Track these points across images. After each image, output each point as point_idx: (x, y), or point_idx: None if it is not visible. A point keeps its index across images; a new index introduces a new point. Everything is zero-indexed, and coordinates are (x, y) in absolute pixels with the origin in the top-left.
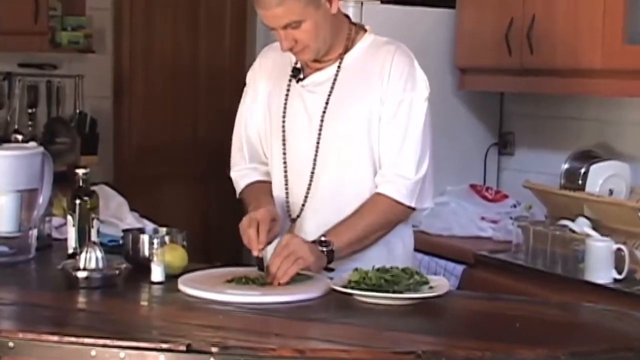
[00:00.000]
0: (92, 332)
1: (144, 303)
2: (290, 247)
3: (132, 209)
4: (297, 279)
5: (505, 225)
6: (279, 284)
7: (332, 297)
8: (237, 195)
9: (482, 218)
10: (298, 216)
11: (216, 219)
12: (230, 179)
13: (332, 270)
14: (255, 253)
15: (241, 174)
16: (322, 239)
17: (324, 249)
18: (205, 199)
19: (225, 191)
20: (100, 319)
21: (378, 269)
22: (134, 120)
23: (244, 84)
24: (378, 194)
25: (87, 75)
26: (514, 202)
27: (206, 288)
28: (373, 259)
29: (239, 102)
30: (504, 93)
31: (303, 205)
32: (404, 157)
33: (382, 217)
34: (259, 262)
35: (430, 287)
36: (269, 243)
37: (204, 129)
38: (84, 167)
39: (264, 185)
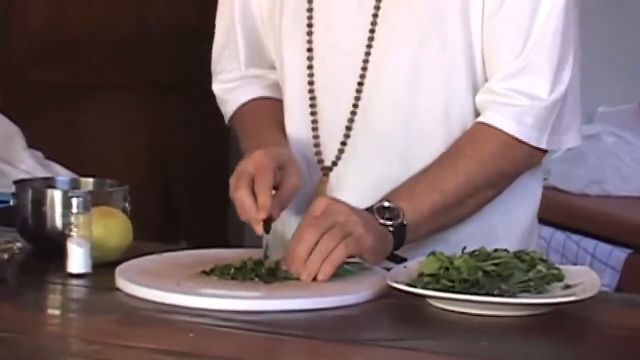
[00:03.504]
0: None
1: (54, 311)
2: (332, 215)
3: (30, 144)
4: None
5: None
6: (314, 280)
7: (390, 303)
8: (227, 122)
9: None
10: (335, 164)
11: (183, 164)
12: (211, 96)
13: (402, 260)
14: (257, 231)
15: (231, 87)
16: (386, 204)
17: (391, 223)
18: (164, 128)
19: (198, 115)
20: None
21: (472, 253)
22: None
23: None
24: (483, 125)
25: None
26: None
27: (166, 285)
28: (469, 238)
29: None
30: None
31: (343, 144)
32: (530, 61)
33: (490, 166)
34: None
35: (567, 286)
36: (282, 208)
37: (158, 8)
38: None
39: (271, 106)
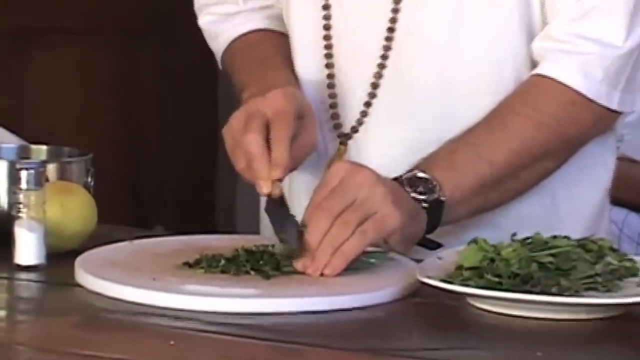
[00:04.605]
0: None
1: None
2: (352, 189)
3: None
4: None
5: None
6: (321, 275)
7: (421, 303)
8: (219, 62)
9: None
10: (355, 130)
11: (157, 129)
12: (190, 43)
13: (437, 246)
14: (263, 189)
15: (225, 17)
16: (420, 174)
17: (424, 198)
18: (133, 83)
19: (176, 67)
20: None
21: (525, 241)
22: None
23: None
24: (541, 78)
25: None
26: None
27: (139, 280)
28: (522, 221)
29: None
30: None
31: (367, 105)
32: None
33: (550, 129)
34: (275, 210)
35: None
36: (293, 168)
37: None
38: None
39: (277, 39)
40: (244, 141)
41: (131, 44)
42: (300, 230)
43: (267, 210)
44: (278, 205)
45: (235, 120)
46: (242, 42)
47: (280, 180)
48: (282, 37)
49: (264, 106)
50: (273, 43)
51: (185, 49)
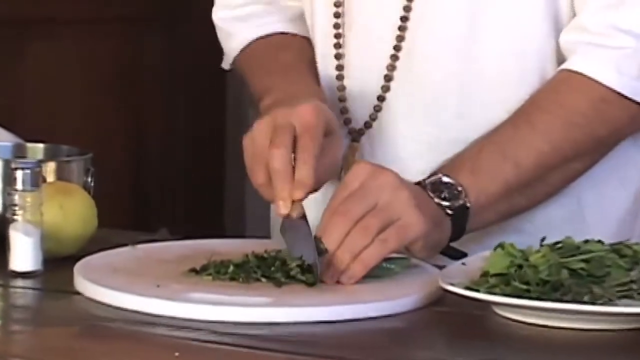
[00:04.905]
0: None
1: None
2: (373, 192)
3: None
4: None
5: None
6: (338, 282)
7: (444, 312)
8: (228, 64)
9: None
10: (368, 125)
11: (162, 125)
12: (200, 31)
13: (462, 255)
14: (282, 210)
15: (242, 14)
16: (444, 178)
17: (448, 204)
18: (135, 76)
19: (183, 57)
20: None
21: (554, 245)
22: None
23: None
24: (570, 73)
25: None
26: None
27: (142, 288)
28: (550, 225)
29: None
30: None
31: (381, 99)
32: None
33: (580, 128)
34: (293, 232)
35: None
36: (316, 189)
37: None
38: None
39: (298, 43)
40: (269, 155)
41: (134, 35)
42: (322, 253)
43: (283, 231)
44: (297, 226)
45: (260, 132)
46: (263, 45)
47: (303, 198)
48: (305, 41)
49: (292, 118)
50: (296, 48)
51: (192, 40)
